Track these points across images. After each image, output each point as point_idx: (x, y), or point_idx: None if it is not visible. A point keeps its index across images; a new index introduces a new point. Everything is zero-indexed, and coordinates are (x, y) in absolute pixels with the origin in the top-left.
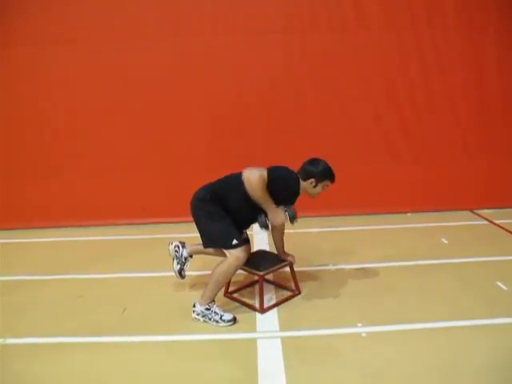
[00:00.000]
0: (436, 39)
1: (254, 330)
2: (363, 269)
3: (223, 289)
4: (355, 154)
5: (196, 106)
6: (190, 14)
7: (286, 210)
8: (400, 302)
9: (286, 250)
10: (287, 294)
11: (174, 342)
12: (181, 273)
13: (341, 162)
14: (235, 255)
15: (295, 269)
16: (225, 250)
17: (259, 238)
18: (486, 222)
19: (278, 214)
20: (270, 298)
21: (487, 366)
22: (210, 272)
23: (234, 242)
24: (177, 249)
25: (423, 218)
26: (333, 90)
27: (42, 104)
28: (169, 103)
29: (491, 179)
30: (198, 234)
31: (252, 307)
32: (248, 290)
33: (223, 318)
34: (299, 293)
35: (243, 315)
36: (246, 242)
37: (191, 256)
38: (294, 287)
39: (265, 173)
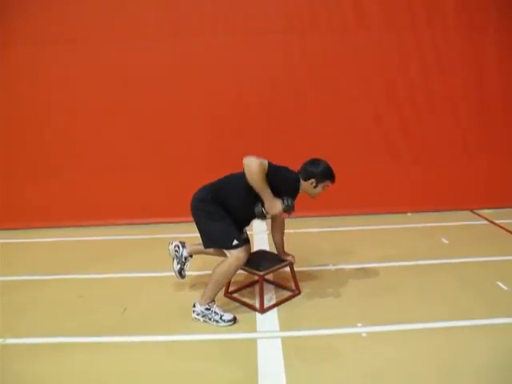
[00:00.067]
0: (436, 39)
1: (254, 329)
2: (363, 269)
3: (223, 289)
4: (355, 154)
5: (196, 105)
6: (189, 14)
7: (283, 201)
8: (400, 302)
9: (286, 249)
10: (287, 293)
11: (173, 341)
12: (181, 273)
13: (341, 162)
14: (236, 255)
15: (295, 269)
16: (225, 251)
17: (259, 238)
18: (486, 222)
19: (275, 203)
20: (270, 297)
21: (487, 365)
22: (210, 272)
23: (235, 242)
24: (177, 249)
25: (423, 218)
26: (333, 90)
27: (41, 104)
28: (169, 103)
29: (491, 179)
30: (198, 234)
31: (252, 307)
32: (248, 289)
33: (223, 317)
34: (299, 293)
35: (243, 315)
36: (246, 242)
37: (191, 256)
38: (294, 287)
39: (265, 162)
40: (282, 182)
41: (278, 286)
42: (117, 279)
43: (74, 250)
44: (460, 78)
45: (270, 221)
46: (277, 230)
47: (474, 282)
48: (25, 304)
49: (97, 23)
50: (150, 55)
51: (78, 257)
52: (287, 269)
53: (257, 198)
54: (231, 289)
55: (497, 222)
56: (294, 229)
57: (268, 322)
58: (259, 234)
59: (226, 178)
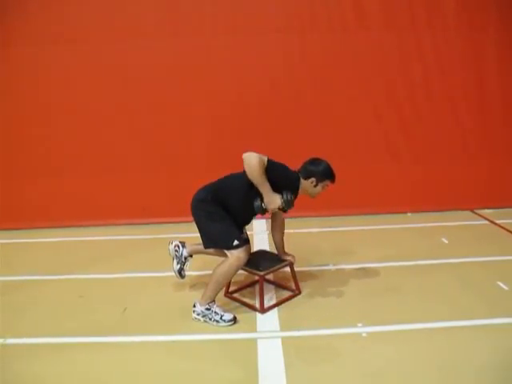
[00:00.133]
0: (436, 39)
1: (254, 329)
2: (363, 269)
3: (223, 289)
4: (355, 154)
5: (196, 105)
6: (189, 14)
7: (283, 196)
8: (400, 301)
9: (286, 249)
10: (287, 293)
11: (174, 341)
12: (181, 272)
13: (341, 161)
14: (236, 255)
15: (295, 269)
16: (225, 251)
17: (259, 238)
18: (486, 222)
19: (274, 198)
20: (270, 297)
21: (487, 365)
22: (210, 272)
23: (235, 242)
24: (177, 248)
25: (423, 218)
26: (333, 90)
27: (41, 104)
28: (169, 103)
29: (491, 179)
30: (198, 234)
31: (252, 307)
32: (248, 289)
33: (223, 317)
34: (299, 293)
35: (243, 315)
36: (246, 242)
37: (191, 256)
38: (294, 287)
39: (265, 157)
40: (282, 179)
41: (279, 285)
42: (117, 279)
43: (74, 249)
44: (460, 77)
45: (270, 221)
46: (277, 229)
47: (474, 282)
48: (25, 304)
49: (97, 23)
50: (150, 55)
51: (78, 257)
52: (287, 269)
53: (256, 196)
54: (231, 289)
55: (497, 221)
56: (294, 229)
57: (268, 321)
58: (259, 234)
59: (226, 177)
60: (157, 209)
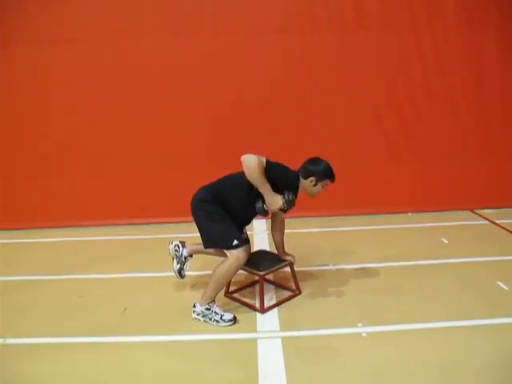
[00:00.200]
0: (436, 39)
1: (254, 329)
2: (363, 269)
3: (224, 289)
4: (355, 154)
5: (196, 105)
6: (190, 14)
7: (284, 196)
8: (400, 301)
9: (286, 249)
10: (287, 293)
11: (174, 341)
12: (180, 272)
13: (341, 161)
14: (236, 255)
15: (295, 269)
16: (225, 251)
17: (259, 238)
18: (486, 222)
19: (275, 199)
20: (270, 297)
21: (487, 365)
22: (210, 272)
23: (235, 242)
24: (177, 248)
25: (423, 218)
26: (333, 90)
27: (41, 104)
28: (169, 103)
29: (491, 179)
30: (198, 234)
31: (252, 307)
32: (248, 289)
33: (223, 317)
34: (299, 293)
35: (243, 315)
36: (246, 242)
37: (191, 255)
38: (294, 287)
39: (263, 158)
40: (282, 179)
41: (279, 285)
42: (117, 279)
43: (74, 249)
44: (460, 77)
45: (270, 221)
46: (277, 229)
47: (474, 281)
48: (25, 304)
49: (97, 23)
50: (150, 55)
51: (78, 257)
52: (287, 269)
53: (257, 198)
54: (231, 289)
55: (497, 221)
56: (294, 229)
57: (268, 321)
58: (259, 234)
59: (226, 177)
60: (157, 209)
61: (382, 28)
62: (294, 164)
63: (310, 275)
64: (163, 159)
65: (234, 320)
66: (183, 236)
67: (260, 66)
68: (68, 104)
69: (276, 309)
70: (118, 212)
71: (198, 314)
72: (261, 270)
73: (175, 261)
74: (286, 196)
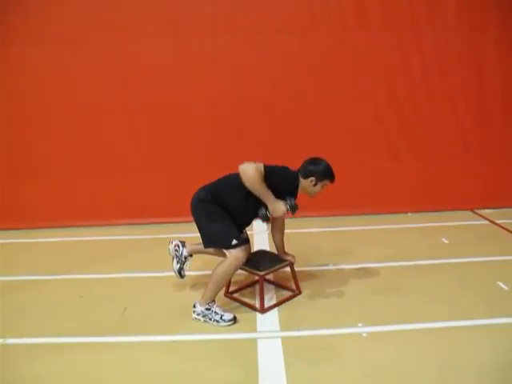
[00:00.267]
0: (436, 39)
1: (254, 329)
2: (363, 269)
3: (224, 289)
4: (355, 154)
5: (196, 105)
6: (189, 14)
7: (286, 202)
8: (400, 301)
9: (286, 249)
10: (287, 293)
11: (174, 341)
12: (180, 272)
13: (341, 161)
14: (235, 255)
15: (295, 269)
16: (225, 250)
17: (259, 238)
18: (486, 222)
19: (278, 205)
20: (270, 297)
21: (487, 365)
22: (210, 272)
23: (234, 242)
24: (177, 248)
25: (423, 218)
26: (333, 90)
27: (41, 104)
28: (169, 103)
29: (491, 179)
30: (198, 234)
31: (252, 307)
32: (248, 289)
33: (223, 317)
34: (299, 293)
35: (243, 315)
36: (245, 241)
37: (191, 255)
38: (294, 287)
39: (261, 165)
40: (281, 181)
41: (279, 285)
42: (117, 279)
43: (74, 249)
44: (460, 77)
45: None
46: (277, 230)
47: (474, 282)
48: (25, 304)
49: (97, 23)
50: (150, 55)
51: (78, 257)
52: (287, 269)
53: (257, 199)
54: (231, 289)
55: (497, 221)
56: (294, 229)
57: (268, 321)
58: (259, 234)
59: (225, 178)
60: (157, 209)
61: (382, 28)
62: (294, 164)
63: (310, 275)
64: (163, 159)
65: (234, 320)
66: (183, 236)
67: (260, 66)
68: (68, 104)
69: (276, 309)
70: (118, 212)
71: (198, 314)
72: (261, 270)
73: (175, 261)
74: (289, 202)
